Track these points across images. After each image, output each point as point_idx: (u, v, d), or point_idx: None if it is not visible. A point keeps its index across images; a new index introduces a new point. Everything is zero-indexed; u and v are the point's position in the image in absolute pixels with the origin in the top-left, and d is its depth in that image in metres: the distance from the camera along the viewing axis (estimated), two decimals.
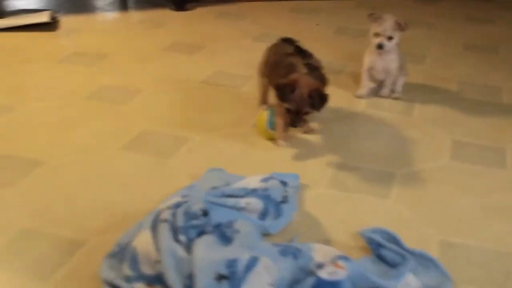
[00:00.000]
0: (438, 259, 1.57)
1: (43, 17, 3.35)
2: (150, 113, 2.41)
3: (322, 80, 2.12)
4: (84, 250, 1.62)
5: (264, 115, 2.21)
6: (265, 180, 1.84)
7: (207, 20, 3.61)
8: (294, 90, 2.03)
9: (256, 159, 2.11)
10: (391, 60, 2.54)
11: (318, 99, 2.04)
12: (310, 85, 2.04)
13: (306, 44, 2.43)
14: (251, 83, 2.66)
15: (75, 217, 1.76)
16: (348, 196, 1.91)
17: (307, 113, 2.07)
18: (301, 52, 2.20)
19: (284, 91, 2.04)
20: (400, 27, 2.47)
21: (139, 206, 1.80)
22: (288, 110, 2.06)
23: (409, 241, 1.65)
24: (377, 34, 2.49)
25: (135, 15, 3.64)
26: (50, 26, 3.33)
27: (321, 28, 3.58)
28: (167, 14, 3.68)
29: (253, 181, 1.84)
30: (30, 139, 2.19)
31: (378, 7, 3.94)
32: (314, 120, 2.31)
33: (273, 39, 2.40)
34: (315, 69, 2.13)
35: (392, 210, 1.84)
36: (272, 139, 2.21)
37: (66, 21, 3.47)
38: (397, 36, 2.49)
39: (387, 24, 2.47)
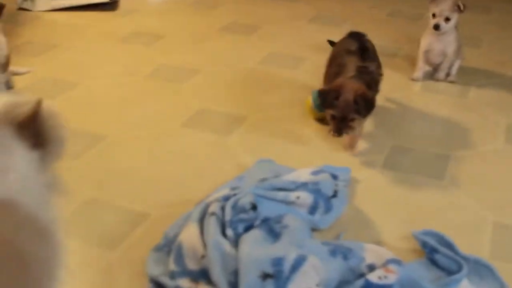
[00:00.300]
0: (492, 265, 1.51)
1: None
2: (208, 92, 2.47)
3: (370, 85, 2.02)
4: (147, 223, 1.69)
5: (309, 98, 2.26)
6: (315, 173, 1.80)
7: (261, 1, 3.65)
8: (339, 96, 1.93)
9: (307, 141, 2.15)
10: (448, 43, 2.54)
11: (364, 105, 1.92)
12: (356, 90, 1.92)
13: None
14: (305, 65, 2.69)
15: (138, 190, 1.83)
16: (403, 177, 1.93)
17: (353, 119, 1.95)
18: (363, 52, 2.11)
19: (328, 98, 1.94)
20: (458, 8, 2.47)
21: (199, 181, 1.87)
22: (333, 117, 1.96)
23: (464, 223, 1.68)
24: (434, 15, 2.49)
25: None
26: (109, 6, 3.41)
27: (375, 10, 3.58)
28: None
29: (303, 174, 1.79)
30: (93, 114, 2.27)
31: None
32: None
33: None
34: (367, 73, 2.04)
35: (446, 192, 1.86)
36: (319, 119, 2.25)
37: (125, 1, 3.54)
38: (455, 17, 2.49)
39: (445, 4, 2.47)
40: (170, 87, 2.50)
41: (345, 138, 2.05)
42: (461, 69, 2.65)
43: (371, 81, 2.04)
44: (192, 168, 1.95)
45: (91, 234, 1.64)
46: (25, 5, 3.36)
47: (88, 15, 3.31)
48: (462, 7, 2.46)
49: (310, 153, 2.06)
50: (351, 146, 2.07)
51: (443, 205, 1.79)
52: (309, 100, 2.26)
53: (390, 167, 1.98)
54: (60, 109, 2.25)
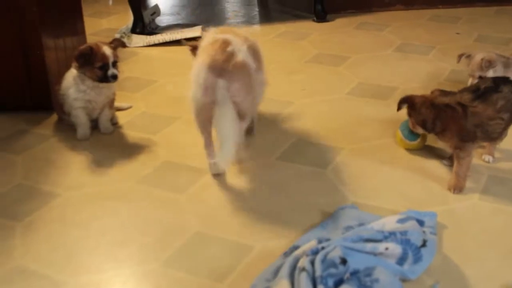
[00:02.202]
0: None
1: (196, 32, 3.58)
2: (303, 124, 2.55)
3: None
4: (252, 255, 1.77)
5: (398, 130, 2.31)
6: (402, 221, 1.78)
7: (348, 31, 3.71)
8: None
9: (406, 168, 2.19)
10: None
11: None
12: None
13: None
14: (395, 94, 2.73)
15: (241, 223, 1.93)
16: (502, 209, 1.95)
17: None
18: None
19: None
20: (490, 64, 2.39)
21: (302, 215, 1.95)
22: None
23: None
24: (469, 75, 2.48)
25: (279, 27, 3.79)
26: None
27: (462, 36, 3.58)
28: (310, 26, 3.82)
29: (389, 222, 1.79)
30: (194, 148, 2.37)
31: None
32: None
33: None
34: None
35: None
36: (409, 148, 2.30)
37: None
38: (491, 72, 2.40)
39: (473, 64, 2.44)
40: (264, 120, 2.59)
41: (452, 178, 2.08)
42: None
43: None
44: (292, 202, 2.03)
45: (200, 266, 1.74)
46: None
47: (181, 49, 3.45)
48: (487, 65, 2.40)
49: (405, 184, 2.10)
50: (456, 187, 2.06)
51: None
52: (398, 132, 2.32)
53: (486, 197, 2.00)
54: (162, 144, 2.39)
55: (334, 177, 2.16)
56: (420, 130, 2.18)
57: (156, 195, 2.09)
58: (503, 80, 2.08)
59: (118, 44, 2.47)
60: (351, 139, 2.41)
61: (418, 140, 2.28)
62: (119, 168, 2.27)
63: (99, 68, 2.38)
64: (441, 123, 2.07)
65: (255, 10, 4.13)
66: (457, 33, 3.63)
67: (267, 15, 4.03)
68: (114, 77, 2.40)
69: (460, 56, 2.52)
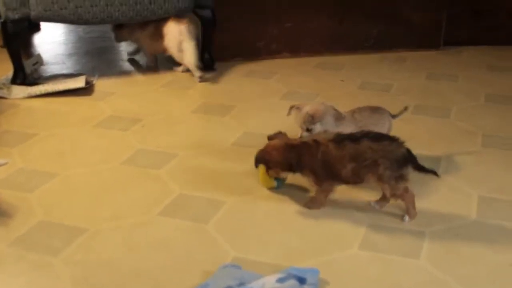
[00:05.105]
0: None
1: (79, 83, 3.48)
2: (185, 176, 2.51)
3: None
4: None
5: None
6: (282, 280, 1.77)
7: (235, 80, 3.73)
8: None
9: (288, 219, 2.19)
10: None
11: None
12: None
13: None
14: None
15: (119, 285, 1.85)
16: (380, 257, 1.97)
17: None
18: None
19: None
20: (313, 119, 2.43)
21: (182, 273, 1.89)
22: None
23: None
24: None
25: (165, 77, 3.75)
26: (85, 90, 3.46)
27: (346, 83, 3.67)
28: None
29: (269, 282, 1.77)
30: (72, 206, 2.29)
31: (399, 61, 4.05)
32: None
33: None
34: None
35: (422, 270, 1.91)
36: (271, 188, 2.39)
37: (100, 85, 3.60)
38: (318, 125, 2.44)
39: (300, 116, 2.47)
40: (148, 173, 2.54)
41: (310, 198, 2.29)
42: (429, 140, 2.72)
43: None
44: (171, 259, 1.97)
45: None
46: (1, 93, 3.40)
47: (64, 100, 3.35)
48: (314, 118, 2.43)
49: (286, 236, 2.10)
50: (307, 206, 2.28)
51: (418, 283, 1.82)
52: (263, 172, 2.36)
53: (365, 247, 2.02)
54: (39, 202, 2.29)
55: (215, 232, 2.12)
56: (284, 175, 2.33)
57: (29, 258, 1.98)
58: (367, 135, 2.17)
59: None
60: (235, 192, 2.39)
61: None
62: None
63: None
64: (301, 160, 2.21)
65: (142, 60, 4.09)
66: (342, 80, 3.72)
67: (154, 65, 3.98)
68: None
69: (290, 108, 2.54)
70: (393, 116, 2.59)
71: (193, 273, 1.89)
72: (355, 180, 2.20)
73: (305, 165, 2.22)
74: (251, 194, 2.38)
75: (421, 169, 2.18)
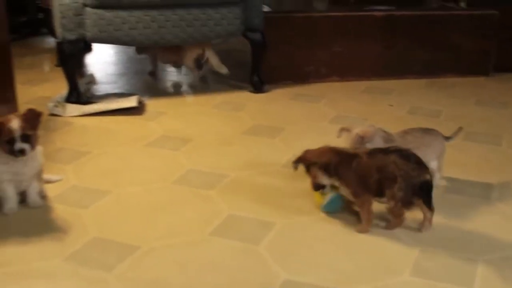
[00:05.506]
0: None
1: (132, 102, 3.55)
2: (236, 197, 2.53)
3: None
4: None
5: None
6: None
7: (284, 102, 3.76)
8: None
9: (339, 242, 2.19)
10: None
11: None
12: None
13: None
14: None
15: None
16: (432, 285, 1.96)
17: None
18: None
19: None
20: (362, 140, 2.45)
21: None
22: None
23: None
24: None
25: (216, 98, 3.81)
26: (137, 110, 3.53)
27: (394, 108, 3.67)
28: (246, 96, 3.85)
29: None
30: (124, 224, 2.33)
31: (448, 87, 4.04)
32: None
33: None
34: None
35: None
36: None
37: (151, 104, 3.67)
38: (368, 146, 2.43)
39: (350, 138, 2.48)
40: (198, 193, 2.56)
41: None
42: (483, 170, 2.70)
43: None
44: (221, 280, 1.99)
45: None
46: (56, 111, 3.49)
47: (117, 119, 3.42)
48: (365, 138, 2.45)
49: (338, 260, 2.09)
50: (360, 231, 2.28)
51: None
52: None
53: (417, 273, 2.01)
54: (92, 219, 2.33)
55: (266, 253, 2.13)
56: (323, 179, 2.32)
57: (83, 274, 2.01)
58: (398, 151, 2.24)
59: (31, 115, 2.36)
60: (285, 213, 2.40)
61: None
62: (46, 244, 2.19)
63: (6, 142, 2.30)
64: (339, 166, 2.26)
65: (189, 79, 4.16)
66: (390, 105, 3.72)
67: (204, 86, 4.06)
68: (21, 152, 2.30)
69: (340, 131, 2.56)
70: (448, 138, 2.58)
71: None
72: (379, 192, 2.24)
73: (342, 173, 2.27)
74: (302, 216, 2.39)
75: (429, 205, 2.23)
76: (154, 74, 4.32)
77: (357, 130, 2.49)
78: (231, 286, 1.95)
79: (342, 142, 2.50)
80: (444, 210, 2.39)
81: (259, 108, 3.65)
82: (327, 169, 2.29)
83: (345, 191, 2.31)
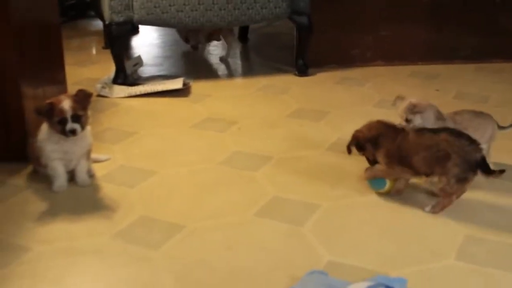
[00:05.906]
0: None
1: (177, 84, 3.59)
2: (281, 179, 2.54)
3: None
4: None
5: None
6: None
7: (329, 86, 3.75)
8: None
9: (384, 225, 2.18)
10: None
11: None
12: None
13: None
14: None
15: (218, 283, 1.89)
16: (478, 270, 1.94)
17: None
18: None
19: None
20: (414, 108, 2.44)
21: (279, 274, 1.92)
22: None
23: None
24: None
25: (261, 81, 3.82)
26: (182, 92, 3.56)
27: (441, 93, 3.63)
28: (290, 80, 3.85)
29: None
30: (171, 204, 2.36)
31: (497, 72, 3.97)
32: None
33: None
34: None
35: None
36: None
37: (196, 87, 3.70)
38: (418, 118, 2.44)
39: (402, 106, 2.48)
40: (244, 175, 2.58)
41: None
42: None
43: None
44: (268, 260, 2.00)
45: None
46: (103, 92, 3.54)
47: (162, 101, 3.46)
48: (416, 109, 2.46)
49: (382, 243, 2.09)
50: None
51: None
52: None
53: (462, 258, 1.99)
54: (139, 198, 2.37)
55: (310, 234, 2.14)
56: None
57: (130, 251, 2.05)
58: (448, 130, 2.25)
59: (82, 96, 2.41)
60: (330, 195, 2.40)
61: (386, 188, 2.37)
62: (94, 222, 2.24)
63: (57, 122, 2.36)
64: (381, 138, 2.31)
65: (237, 63, 4.17)
66: (437, 90, 3.68)
67: (249, 68, 4.07)
68: (72, 132, 2.35)
69: (396, 99, 2.56)
70: (502, 128, 2.54)
71: (287, 275, 1.91)
72: (424, 170, 2.24)
73: (382, 145, 2.30)
74: (347, 199, 2.39)
75: (491, 172, 2.21)
76: (196, 47, 4.41)
77: (412, 99, 2.50)
78: (275, 267, 1.97)
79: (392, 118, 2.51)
80: (492, 195, 2.37)
81: (303, 92, 3.64)
82: (377, 141, 2.32)
83: (380, 162, 2.33)
